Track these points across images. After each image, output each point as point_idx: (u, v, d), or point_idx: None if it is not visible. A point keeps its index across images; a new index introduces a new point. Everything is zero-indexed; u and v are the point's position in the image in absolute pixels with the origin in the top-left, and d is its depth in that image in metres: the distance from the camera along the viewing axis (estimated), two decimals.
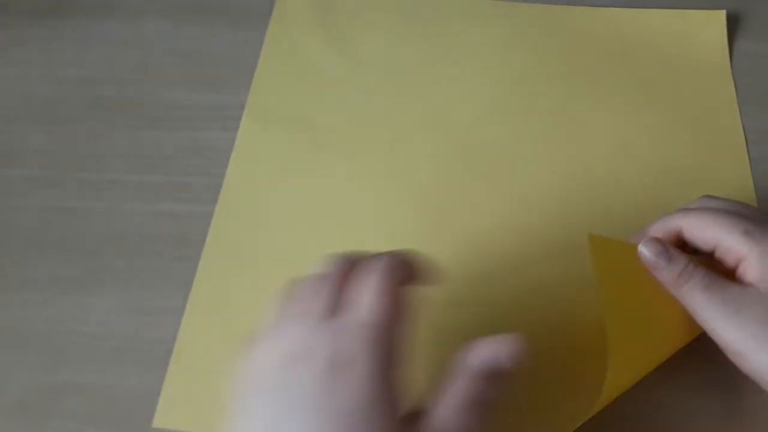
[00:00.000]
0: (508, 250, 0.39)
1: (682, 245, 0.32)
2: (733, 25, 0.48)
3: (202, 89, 0.46)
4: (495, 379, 0.27)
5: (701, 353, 0.35)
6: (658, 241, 0.31)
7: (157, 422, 0.34)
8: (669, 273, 0.31)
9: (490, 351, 0.27)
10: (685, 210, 0.33)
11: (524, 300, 0.37)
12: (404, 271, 0.28)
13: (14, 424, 0.35)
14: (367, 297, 0.27)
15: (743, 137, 0.42)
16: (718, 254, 0.31)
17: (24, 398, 0.36)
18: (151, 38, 0.49)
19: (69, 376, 0.36)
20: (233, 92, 0.46)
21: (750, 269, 0.30)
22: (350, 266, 0.29)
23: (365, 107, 0.45)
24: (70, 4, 0.51)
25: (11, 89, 0.47)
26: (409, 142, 0.43)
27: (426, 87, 0.45)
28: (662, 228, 0.33)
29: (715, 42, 0.47)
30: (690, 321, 0.32)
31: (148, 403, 0.35)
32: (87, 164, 0.43)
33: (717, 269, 0.31)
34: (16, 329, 0.38)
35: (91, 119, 0.45)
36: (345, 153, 0.43)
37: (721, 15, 0.48)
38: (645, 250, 0.31)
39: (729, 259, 0.31)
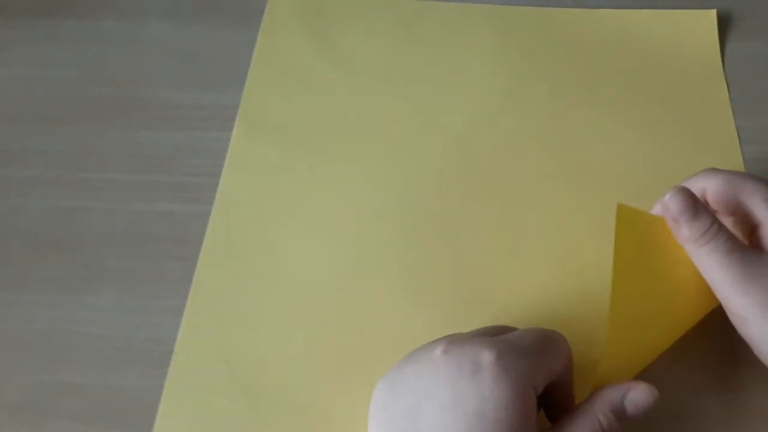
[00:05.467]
0: (504, 253, 0.37)
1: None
2: (725, 24, 0.46)
3: (202, 89, 0.45)
4: (621, 417, 0.27)
5: (700, 351, 0.34)
6: (687, 193, 0.29)
7: None
8: (692, 230, 0.29)
9: (623, 392, 0.27)
10: (712, 170, 0.31)
11: (521, 302, 0.36)
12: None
13: (14, 424, 0.34)
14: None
15: (737, 137, 0.41)
16: (736, 218, 0.31)
17: (24, 398, 0.34)
18: (151, 38, 0.48)
19: (69, 376, 0.35)
20: (233, 92, 0.44)
21: (766, 237, 0.29)
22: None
23: (358, 112, 0.43)
24: (69, 3, 0.49)
25: (11, 89, 0.45)
26: (403, 146, 0.41)
27: (418, 91, 0.44)
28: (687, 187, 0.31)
29: (706, 41, 0.45)
30: (700, 301, 0.31)
31: (148, 403, 0.34)
32: (87, 164, 0.42)
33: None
34: (16, 329, 0.36)
35: (91, 119, 0.44)
36: (339, 158, 0.41)
37: (712, 14, 0.46)
38: (671, 203, 0.29)
39: (746, 224, 0.30)
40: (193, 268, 0.37)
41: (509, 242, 0.38)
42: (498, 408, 0.24)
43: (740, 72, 0.44)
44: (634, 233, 0.29)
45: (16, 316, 0.37)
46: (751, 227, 0.30)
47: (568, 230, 0.38)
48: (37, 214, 0.40)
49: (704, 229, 0.29)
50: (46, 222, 0.40)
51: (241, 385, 0.34)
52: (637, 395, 0.27)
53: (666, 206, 0.29)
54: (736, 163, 0.40)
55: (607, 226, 0.37)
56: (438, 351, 0.26)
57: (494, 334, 0.28)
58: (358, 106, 0.43)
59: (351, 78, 0.44)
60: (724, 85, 0.43)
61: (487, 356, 0.25)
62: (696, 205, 0.29)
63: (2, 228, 0.40)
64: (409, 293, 0.36)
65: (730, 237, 0.29)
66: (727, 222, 0.32)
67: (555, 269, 0.36)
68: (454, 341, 0.27)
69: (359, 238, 0.38)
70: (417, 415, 0.25)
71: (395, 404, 0.26)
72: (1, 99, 0.45)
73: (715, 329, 0.34)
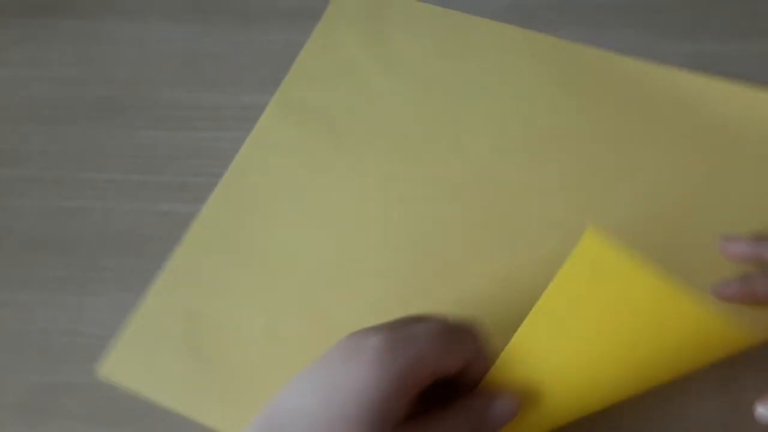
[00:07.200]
0: (522, 280, 0.36)
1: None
2: None
3: (202, 89, 0.45)
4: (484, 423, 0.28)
5: None
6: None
7: (102, 370, 0.35)
8: None
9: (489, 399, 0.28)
10: None
11: (517, 309, 0.35)
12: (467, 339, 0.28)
13: (14, 424, 0.34)
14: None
15: None
16: None
17: (24, 398, 0.34)
18: (151, 38, 0.48)
19: (69, 376, 0.35)
20: (233, 92, 0.44)
21: None
22: None
23: (392, 117, 0.42)
24: (69, 4, 0.49)
25: (11, 89, 0.45)
26: (428, 157, 0.41)
27: (454, 105, 0.42)
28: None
29: None
30: (637, 373, 0.29)
31: (147, 403, 0.34)
32: (87, 164, 0.42)
33: None
34: (15, 329, 0.36)
35: (91, 119, 0.44)
36: (361, 158, 0.41)
37: None
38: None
39: None
40: None
41: (529, 267, 0.37)
42: (360, 389, 0.25)
43: None
44: (597, 267, 0.27)
45: (16, 316, 0.37)
46: None
47: None
48: (37, 214, 0.40)
49: None
50: (46, 222, 0.40)
51: (191, 347, 0.35)
52: (502, 407, 0.28)
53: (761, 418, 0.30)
54: None
55: None
56: (343, 338, 0.27)
57: (407, 323, 0.28)
58: (394, 111, 0.43)
59: (394, 83, 0.44)
60: None
61: (371, 341, 0.26)
62: None
63: (2, 228, 0.40)
64: (383, 305, 0.36)
65: None
66: None
67: None
68: (362, 329, 0.28)
69: (362, 241, 0.38)
70: (303, 397, 0.26)
71: (298, 385, 0.27)
72: (1, 99, 0.45)
73: None
